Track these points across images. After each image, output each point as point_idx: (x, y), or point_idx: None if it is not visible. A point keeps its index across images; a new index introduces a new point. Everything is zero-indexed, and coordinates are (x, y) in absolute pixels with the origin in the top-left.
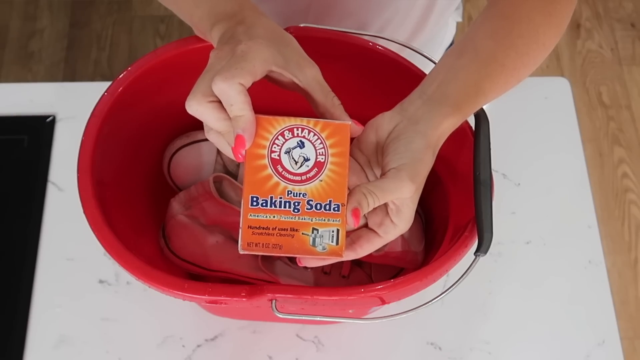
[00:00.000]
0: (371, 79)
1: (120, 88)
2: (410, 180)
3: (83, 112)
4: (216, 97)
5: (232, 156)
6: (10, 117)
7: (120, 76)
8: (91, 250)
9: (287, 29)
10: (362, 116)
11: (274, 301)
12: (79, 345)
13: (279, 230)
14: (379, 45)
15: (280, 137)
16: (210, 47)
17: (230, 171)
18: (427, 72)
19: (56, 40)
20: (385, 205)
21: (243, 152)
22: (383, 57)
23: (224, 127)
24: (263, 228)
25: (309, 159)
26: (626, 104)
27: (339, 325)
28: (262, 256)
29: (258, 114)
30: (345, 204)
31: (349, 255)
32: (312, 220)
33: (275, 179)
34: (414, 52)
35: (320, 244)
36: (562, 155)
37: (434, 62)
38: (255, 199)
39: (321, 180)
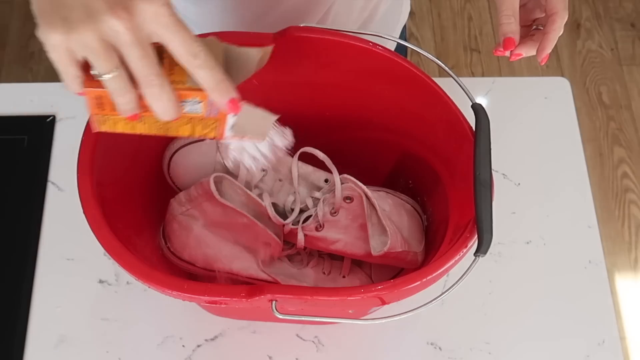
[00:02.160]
0: (371, 79)
1: None
2: None
3: (83, 112)
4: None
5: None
6: (10, 117)
7: None
8: (91, 250)
9: (287, 30)
10: (362, 116)
11: (274, 302)
12: (79, 345)
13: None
14: (379, 46)
15: None
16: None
17: (230, 171)
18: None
19: None
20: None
21: None
22: (382, 57)
23: None
24: None
25: None
26: (626, 104)
27: (339, 325)
28: (262, 256)
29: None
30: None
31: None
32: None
33: None
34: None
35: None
36: (562, 155)
37: (396, 41)
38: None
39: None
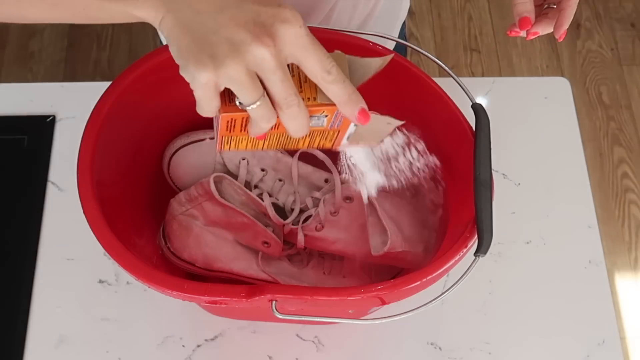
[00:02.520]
0: (371, 79)
1: (120, 88)
2: None
3: (83, 112)
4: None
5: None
6: (10, 117)
7: (120, 76)
8: (91, 250)
9: None
10: None
11: (274, 302)
12: (79, 345)
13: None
14: (379, 46)
15: None
16: None
17: (230, 171)
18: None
19: (56, 40)
20: None
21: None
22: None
23: None
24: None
25: None
26: (626, 104)
27: (339, 325)
28: (262, 256)
29: None
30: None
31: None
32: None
33: None
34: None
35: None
36: (562, 155)
37: (396, 41)
38: None
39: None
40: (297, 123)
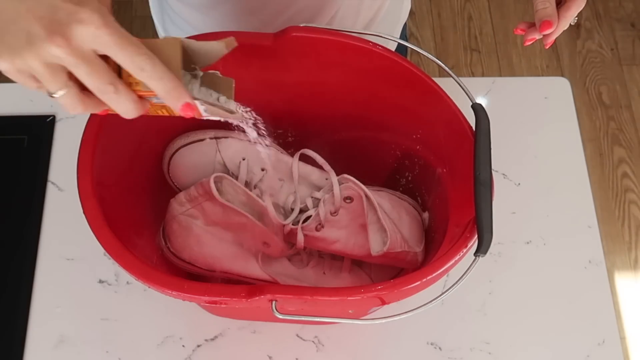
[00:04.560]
0: (371, 79)
1: None
2: None
3: None
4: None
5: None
6: (10, 117)
7: None
8: (91, 250)
9: (287, 29)
10: (362, 116)
11: (274, 302)
12: (79, 345)
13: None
14: (379, 46)
15: None
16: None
17: (230, 171)
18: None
19: None
20: None
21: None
22: (382, 57)
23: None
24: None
25: None
26: (626, 104)
27: (339, 325)
28: (262, 256)
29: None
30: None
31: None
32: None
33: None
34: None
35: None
36: (562, 155)
37: (396, 41)
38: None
39: None
40: (122, 107)
